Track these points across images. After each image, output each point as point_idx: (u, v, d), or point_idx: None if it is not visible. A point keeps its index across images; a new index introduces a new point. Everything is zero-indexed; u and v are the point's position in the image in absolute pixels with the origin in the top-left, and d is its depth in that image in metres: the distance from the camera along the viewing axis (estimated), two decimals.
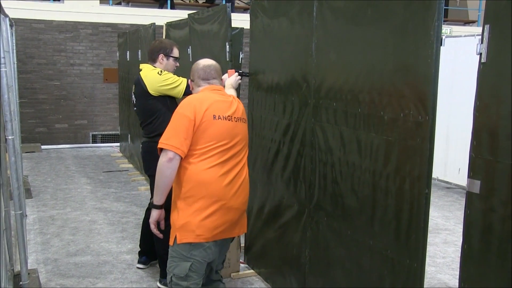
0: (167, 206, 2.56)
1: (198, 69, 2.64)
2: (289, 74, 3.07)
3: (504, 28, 1.72)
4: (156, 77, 3.29)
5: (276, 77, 3.24)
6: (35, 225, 4.71)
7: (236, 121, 2.55)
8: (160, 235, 2.60)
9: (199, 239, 2.44)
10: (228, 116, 2.51)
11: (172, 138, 2.37)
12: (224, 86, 2.88)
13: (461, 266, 1.92)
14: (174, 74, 3.39)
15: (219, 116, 2.47)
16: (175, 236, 2.47)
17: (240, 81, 3.21)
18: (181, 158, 2.39)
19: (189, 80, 2.74)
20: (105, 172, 7.03)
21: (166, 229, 2.65)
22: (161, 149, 2.39)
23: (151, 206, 2.51)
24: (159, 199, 2.46)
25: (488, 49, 1.77)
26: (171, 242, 2.51)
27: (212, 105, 2.47)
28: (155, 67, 3.40)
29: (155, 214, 2.51)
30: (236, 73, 3.19)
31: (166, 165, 2.36)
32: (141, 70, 3.43)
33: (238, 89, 3.55)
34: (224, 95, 2.65)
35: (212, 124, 2.44)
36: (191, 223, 2.43)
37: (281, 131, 3.18)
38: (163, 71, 3.34)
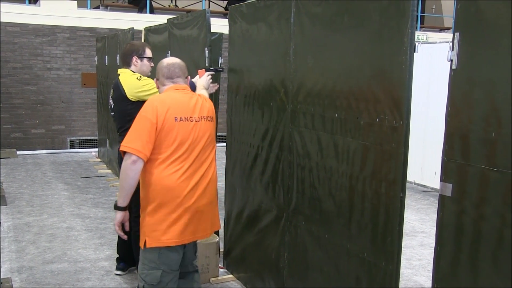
0: (131, 207, 2.58)
1: (162, 67, 2.63)
2: (267, 79, 3.10)
3: (473, 35, 1.78)
4: (135, 82, 3.26)
5: (255, 82, 3.26)
6: (10, 233, 4.61)
7: (200, 121, 2.54)
8: (125, 237, 2.61)
9: (168, 243, 2.47)
10: (191, 117, 2.51)
11: (134, 141, 2.38)
12: (189, 85, 2.77)
13: (434, 267, 1.96)
14: (152, 79, 3.37)
15: (181, 117, 2.47)
16: (145, 240, 2.49)
17: (211, 80, 3.17)
18: (144, 161, 2.39)
19: (155, 79, 2.73)
20: (83, 178, 6.93)
21: (137, 234, 2.65)
22: (124, 152, 2.40)
23: (115, 208, 2.53)
24: (123, 201, 2.47)
25: (459, 56, 1.83)
26: (141, 245, 2.53)
27: (173, 106, 2.47)
28: (132, 71, 3.38)
29: (119, 216, 2.51)
30: (207, 73, 3.16)
31: (129, 167, 2.37)
32: (119, 75, 3.40)
33: (217, 91, 3.54)
34: (188, 93, 2.62)
35: (174, 127, 2.45)
36: (158, 230, 2.46)
37: (260, 136, 3.19)
38: (142, 76, 3.32)
